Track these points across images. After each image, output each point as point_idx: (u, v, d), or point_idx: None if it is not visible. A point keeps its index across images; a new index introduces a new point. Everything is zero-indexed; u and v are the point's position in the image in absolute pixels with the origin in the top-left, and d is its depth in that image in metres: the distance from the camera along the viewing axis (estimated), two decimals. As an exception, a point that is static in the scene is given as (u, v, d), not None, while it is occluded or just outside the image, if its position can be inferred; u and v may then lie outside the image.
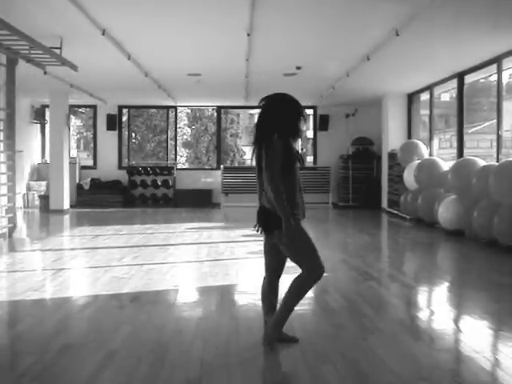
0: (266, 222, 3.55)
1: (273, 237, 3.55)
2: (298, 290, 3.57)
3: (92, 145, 16.74)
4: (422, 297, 5.41)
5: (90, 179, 15.28)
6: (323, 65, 9.87)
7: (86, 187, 15.16)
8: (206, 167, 21.80)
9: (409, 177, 11.14)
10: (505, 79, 9.33)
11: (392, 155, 13.00)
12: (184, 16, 6.85)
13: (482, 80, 11.28)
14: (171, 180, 15.59)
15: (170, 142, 16.93)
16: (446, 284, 5.93)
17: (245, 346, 3.60)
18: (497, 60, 8.85)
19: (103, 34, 7.18)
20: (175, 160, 16.69)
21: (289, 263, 3.71)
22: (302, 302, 4.79)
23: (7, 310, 4.70)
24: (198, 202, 15.06)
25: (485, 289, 5.51)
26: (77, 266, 6.71)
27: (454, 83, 10.75)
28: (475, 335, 3.91)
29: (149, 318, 4.27)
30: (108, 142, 15.87)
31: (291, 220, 3.40)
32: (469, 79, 10.42)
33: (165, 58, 9.33)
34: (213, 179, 15.74)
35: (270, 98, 3.69)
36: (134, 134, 22.87)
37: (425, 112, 12.83)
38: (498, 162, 8.54)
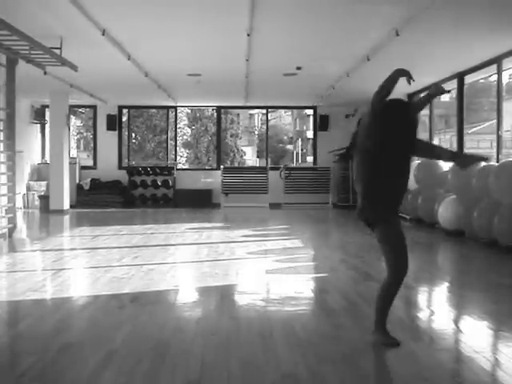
0: (370, 215, 3.56)
1: (375, 231, 3.58)
2: (383, 292, 3.65)
3: (92, 145, 16.74)
4: (422, 297, 5.41)
5: (90, 179, 15.28)
6: (323, 65, 9.88)
7: (86, 187, 15.16)
8: (206, 167, 21.81)
9: (409, 177, 11.13)
10: (505, 79, 9.35)
11: (392, 155, 12.97)
12: (184, 16, 6.85)
13: (481, 80, 11.28)
14: (171, 180, 15.59)
15: (170, 142, 16.94)
16: (446, 284, 5.93)
17: (245, 346, 3.60)
18: (497, 60, 8.85)
19: (103, 35, 7.19)
20: (175, 160, 16.70)
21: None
22: (301, 302, 4.81)
23: (7, 310, 4.70)
24: (198, 202, 15.06)
25: (485, 289, 5.51)
26: (77, 266, 6.71)
27: (453, 83, 10.75)
28: (475, 335, 3.91)
29: (149, 317, 4.27)
30: (108, 142, 15.87)
31: None
32: (469, 79, 10.43)
33: (165, 58, 9.33)
34: (213, 179, 15.74)
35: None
36: (134, 134, 22.87)
37: (425, 112, 12.83)
38: (497, 162, 8.55)
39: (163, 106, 16.11)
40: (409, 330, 4.02)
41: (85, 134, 24.52)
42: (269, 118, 19.06)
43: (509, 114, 9.36)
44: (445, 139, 14.12)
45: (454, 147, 10.88)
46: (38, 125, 15.79)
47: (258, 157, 29.92)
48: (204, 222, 11.66)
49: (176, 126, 17.02)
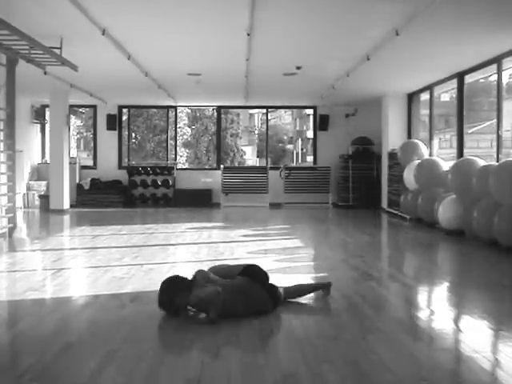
0: None
1: None
2: None
3: (92, 145, 16.74)
4: (421, 296, 5.41)
5: (89, 179, 15.28)
6: (323, 65, 9.87)
7: (86, 187, 15.16)
8: (206, 167, 21.82)
9: (409, 177, 11.14)
10: (505, 79, 9.34)
11: (392, 155, 12.99)
12: (184, 16, 6.85)
13: (481, 80, 11.28)
14: (171, 180, 15.60)
15: (170, 142, 16.94)
16: (446, 284, 5.93)
17: (245, 346, 3.60)
18: (497, 60, 8.85)
19: (103, 34, 7.19)
20: (175, 160, 16.70)
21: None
22: (301, 302, 4.80)
23: (7, 310, 4.70)
24: (198, 202, 15.06)
25: (484, 289, 5.51)
26: (77, 266, 6.71)
27: (454, 83, 10.75)
28: (475, 335, 3.91)
29: (149, 317, 4.27)
30: (108, 141, 15.87)
31: None
32: (469, 79, 10.42)
33: (165, 57, 9.33)
34: (213, 179, 15.74)
35: None
36: (133, 134, 22.88)
37: (425, 112, 12.83)
38: (497, 162, 8.55)
39: (163, 105, 16.11)
40: (409, 329, 4.03)
41: (85, 134, 24.52)
42: (269, 117, 19.07)
43: (509, 114, 9.34)
44: (445, 139, 14.10)
45: (454, 147, 10.88)
46: (38, 125, 15.79)
47: (257, 156, 29.95)
48: (204, 221, 11.66)
49: (176, 126, 17.01)
